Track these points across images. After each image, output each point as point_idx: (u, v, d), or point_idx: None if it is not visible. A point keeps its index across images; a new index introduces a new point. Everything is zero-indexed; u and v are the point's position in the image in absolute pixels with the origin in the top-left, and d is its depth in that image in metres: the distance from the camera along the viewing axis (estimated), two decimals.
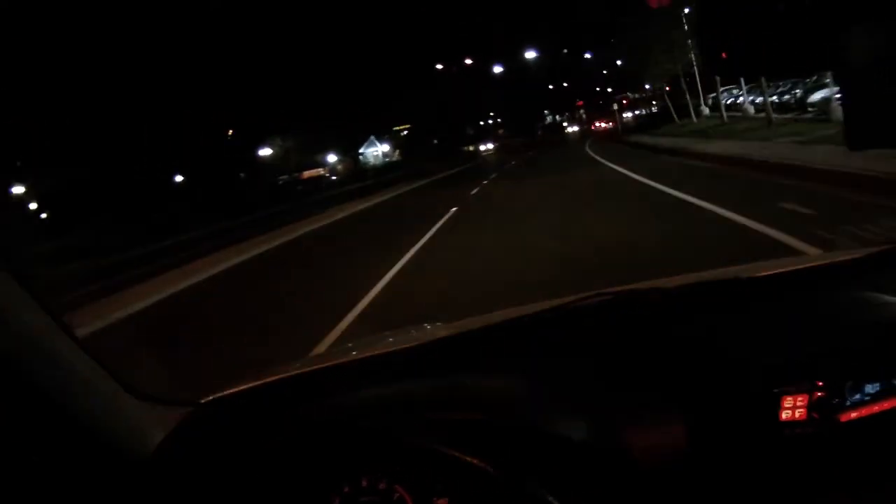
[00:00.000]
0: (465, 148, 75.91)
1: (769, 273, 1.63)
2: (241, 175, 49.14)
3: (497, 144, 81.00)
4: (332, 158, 65.12)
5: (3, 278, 0.97)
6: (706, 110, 29.48)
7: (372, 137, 75.41)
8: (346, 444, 1.18)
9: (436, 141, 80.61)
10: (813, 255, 3.75)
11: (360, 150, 74.22)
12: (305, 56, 53.41)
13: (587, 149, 34.48)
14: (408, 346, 1.64)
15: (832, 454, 1.13)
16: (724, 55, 25.96)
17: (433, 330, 1.87)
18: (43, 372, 0.99)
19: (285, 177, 54.48)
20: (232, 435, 1.26)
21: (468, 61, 78.87)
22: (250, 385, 1.45)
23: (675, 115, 32.35)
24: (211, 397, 1.38)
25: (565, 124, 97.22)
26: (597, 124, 77.78)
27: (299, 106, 51.52)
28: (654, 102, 53.43)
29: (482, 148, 76.76)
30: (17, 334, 0.96)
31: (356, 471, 1.15)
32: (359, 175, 52.18)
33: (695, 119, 30.57)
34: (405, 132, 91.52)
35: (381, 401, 1.30)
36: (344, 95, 59.15)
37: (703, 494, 1.11)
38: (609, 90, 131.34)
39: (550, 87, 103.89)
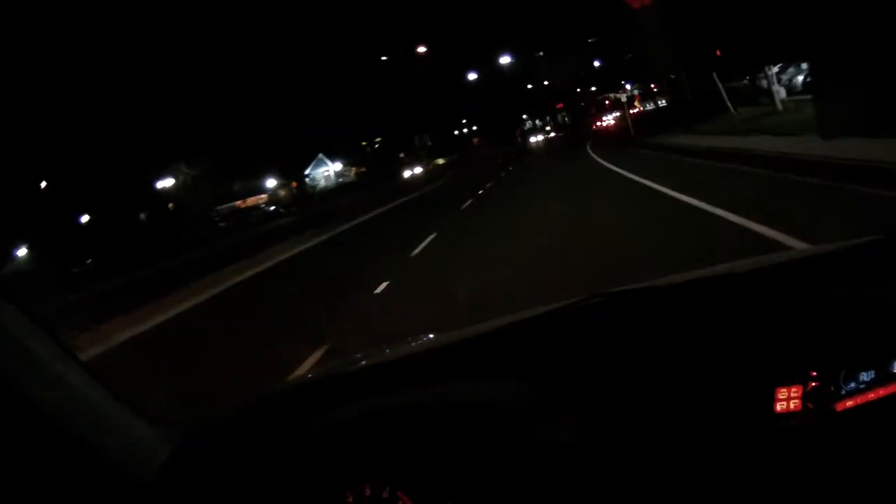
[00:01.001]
0: (434, 162, 65.49)
1: (758, 267, 1.70)
2: (142, 215, 38.15)
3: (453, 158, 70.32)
4: (274, 182, 54.68)
5: (3, 305, 1.01)
6: (782, 93, 19.39)
7: (321, 156, 65.15)
8: (348, 453, 1.21)
9: (402, 154, 70.68)
10: (801, 249, 3.52)
11: (307, 172, 64.12)
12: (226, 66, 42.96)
13: (598, 158, 24.50)
14: (407, 355, 1.71)
15: (828, 444, 1.12)
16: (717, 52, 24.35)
17: (432, 340, 1.87)
18: (48, 396, 1.02)
19: (224, 207, 44.59)
20: (232, 452, 1.27)
21: (423, 58, 69.42)
22: (249, 403, 1.49)
23: (729, 104, 22.10)
24: (211, 417, 1.41)
25: (531, 137, 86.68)
26: (599, 122, 70.94)
27: (214, 122, 40.84)
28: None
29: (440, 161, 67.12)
30: (20, 359, 1.00)
31: (359, 479, 1.17)
32: (304, 200, 42.26)
33: (733, 110, 22.19)
34: (377, 145, 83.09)
35: (382, 410, 1.31)
36: (278, 107, 48.85)
37: (701, 489, 1.10)
38: (593, 89, 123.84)
39: (530, 86, 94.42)
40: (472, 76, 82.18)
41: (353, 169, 66.57)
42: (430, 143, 76.97)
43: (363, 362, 1.73)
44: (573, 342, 1.40)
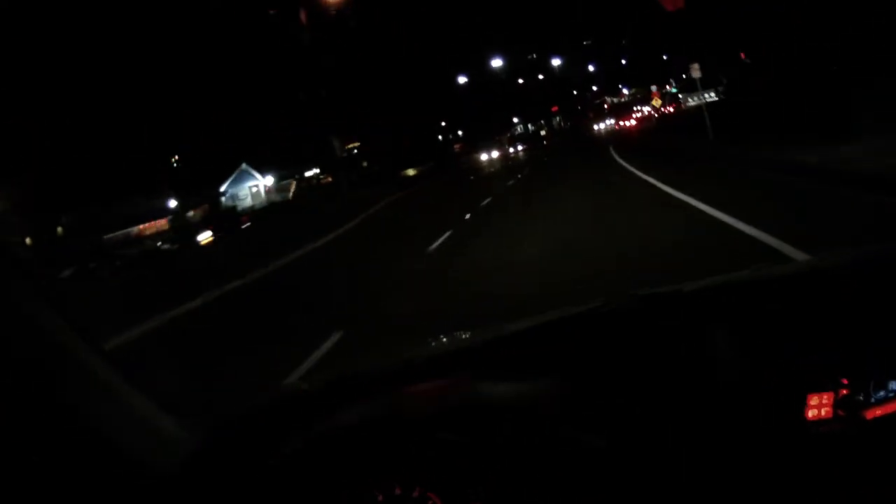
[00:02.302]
0: (403, 173, 53.21)
1: (788, 273, 1.75)
2: None
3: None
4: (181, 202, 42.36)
5: (32, 297, 1.01)
6: None
7: (244, 167, 51.04)
8: (378, 452, 1.22)
9: (366, 164, 58.72)
10: (827, 257, 2.72)
11: (224, 188, 50.52)
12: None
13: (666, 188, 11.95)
14: (437, 353, 1.74)
15: (858, 451, 1.14)
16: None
17: (460, 340, 1.87)
18: (73, 389, 1.02)
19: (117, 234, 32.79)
20: (256, 448, 1.27)
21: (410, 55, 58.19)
22: (272, 399, 1.52)
23: None
24: (236, 413, 1.42)
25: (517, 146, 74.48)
26: (622, 122, 64.99)
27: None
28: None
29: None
30: (45, 350, 1.00)
31: (389, 479, 1.17)
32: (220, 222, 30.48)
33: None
34: (355, 150, 71.15)
35: (411, 410, 1.32)
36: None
37: (732, 494, 1.12)
38: (595, 88, 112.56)
39: (520, 81, 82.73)
40: (462, 79, 72.38)
41: (294, 183, 53.84)
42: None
43: (389, 363, 1.74)
44: (606, 345, 1.42)
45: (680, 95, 49.09)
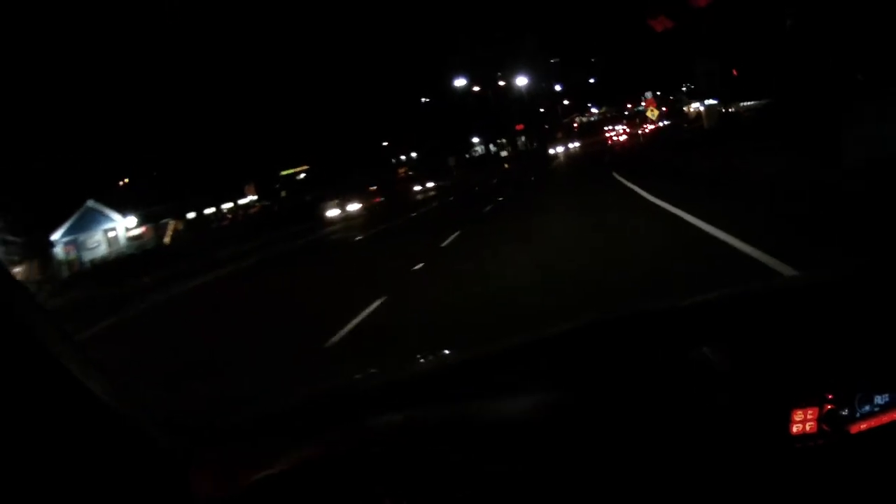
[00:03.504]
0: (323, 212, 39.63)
1: (772, 290, 1.77)
2: None
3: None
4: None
5: (30, 306, 1.01)
6: None
7: (92, 204, 36.62)
8: (368, 467, 1.22)
9: (284, 193, 47.05)
10: (795, 275, 3.31)
11: (58, 235, 35.55)
12: None
13: None
14: (424, 371, 1.74)
15: (843, 466, 1.14)
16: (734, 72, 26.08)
17: (448, 357, 1.91)
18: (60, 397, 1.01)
19: None
20: (253, 463, 1.27)
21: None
22: (267, 411, 1.53)
23: None
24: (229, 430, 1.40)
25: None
26: (614, 137, 57.94)
27: None
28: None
29: (332, 213, 36.88)
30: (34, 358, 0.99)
31: (379, 495, 1.18)
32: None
33: None
34: (302, 175, 59.34)
35: (402, 425, 1.33)
36: None
37: None
38: (566, 102, 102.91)
39: (476, 89, 71.26)
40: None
41: (173, 223, 40.78)
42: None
43: (383, 377, 1.78)
44: (592, 361, 1.44)
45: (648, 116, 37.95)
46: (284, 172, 65.90)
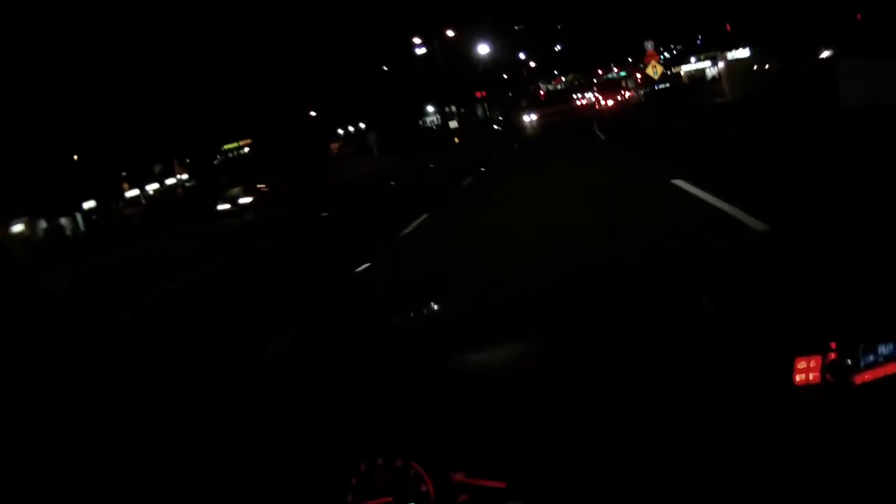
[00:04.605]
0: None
1: (772, 242, 1.80)
2: None
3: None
4: None
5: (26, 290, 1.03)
6: None
7: None
8: (362, 422, 1.23)
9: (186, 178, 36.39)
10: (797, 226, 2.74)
11: None
12: None
13: None
14: (417, 325, 1.74)
15: (847, 416, 1.13)
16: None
17: (439, 311, 1.91)
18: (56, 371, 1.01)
19: None
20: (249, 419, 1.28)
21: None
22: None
23: None
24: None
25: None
26: (604, 101, 53.30)
27: None
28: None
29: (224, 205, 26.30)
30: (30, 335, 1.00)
31: (372, 450, 1.18)
32: None
33: None
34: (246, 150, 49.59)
35: (395, 380, 1.33)
36: None
37: (720, 459, 1.12)
38: (533, 65, 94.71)
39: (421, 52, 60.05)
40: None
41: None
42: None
43: (382, 328, 1.77)
44: (591, 314, 1.42)
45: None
46: (228, 146, 54.69)
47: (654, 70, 26.68)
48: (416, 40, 49.33)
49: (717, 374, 1.16)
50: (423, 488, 1.16)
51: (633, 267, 1.68)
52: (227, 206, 26.34)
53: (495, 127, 55.05)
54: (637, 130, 21.97)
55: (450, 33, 51.31)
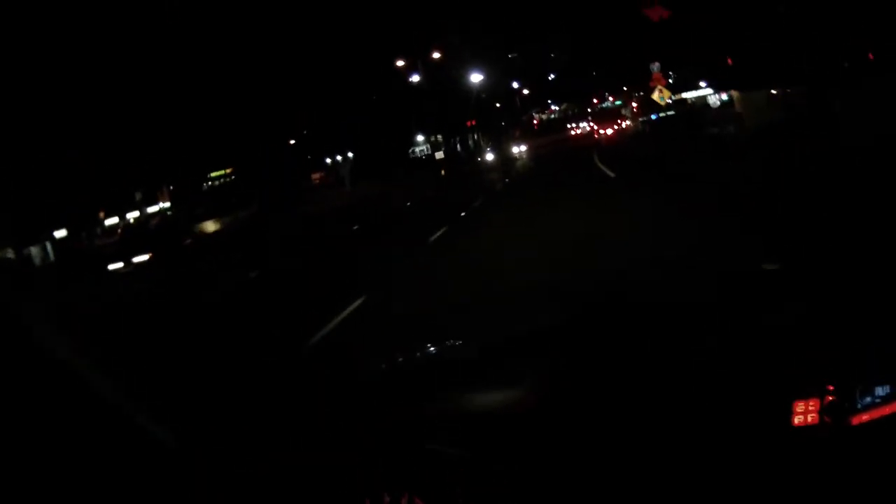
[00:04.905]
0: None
1: (769, 282, 1.78)
2: None
3: None
4: None
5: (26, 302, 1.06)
6: None
7: None
8: (369, 460, 1.24)
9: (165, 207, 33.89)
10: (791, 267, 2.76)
11: None
12: None
13: None
14: (419, 365, 1.77)
15: (845, 457, 1.14)
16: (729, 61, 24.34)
17: (450, 348, 1.94)
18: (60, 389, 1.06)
19: None
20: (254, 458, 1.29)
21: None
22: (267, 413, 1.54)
23: None
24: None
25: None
26: (603, 131, 52.63)
27: None
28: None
29: None
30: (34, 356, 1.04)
31: (378, 486, 1.18)
32: None
33: None
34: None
35: (400, 418, 1.35)
36: None
37: (722, 500, 1.13)
38: (526, 92, 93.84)
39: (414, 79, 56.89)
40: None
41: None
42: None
43: (379, 372, 1.76)
44: (591, 353, 1.44)
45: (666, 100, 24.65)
46: (215, 174, 51.63)
47: (661, 95, 23.88)
48: (401, 63, 46.32)
49: (716, 416, 1.17)
50: None
51: (634, 305, 1.69)
52: (119, 266, 22.36)
53: (487, 158, 51.94)
54: (650, 166, 19.06)
55: (437, 56, 48.33)
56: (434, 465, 1.18)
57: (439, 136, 59.73)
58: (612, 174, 18.96)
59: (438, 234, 13.16)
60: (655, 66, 23.90)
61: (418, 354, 1.86)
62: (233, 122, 40.05)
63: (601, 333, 1.55)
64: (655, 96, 23.68)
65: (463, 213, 16.27)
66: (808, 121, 15.54)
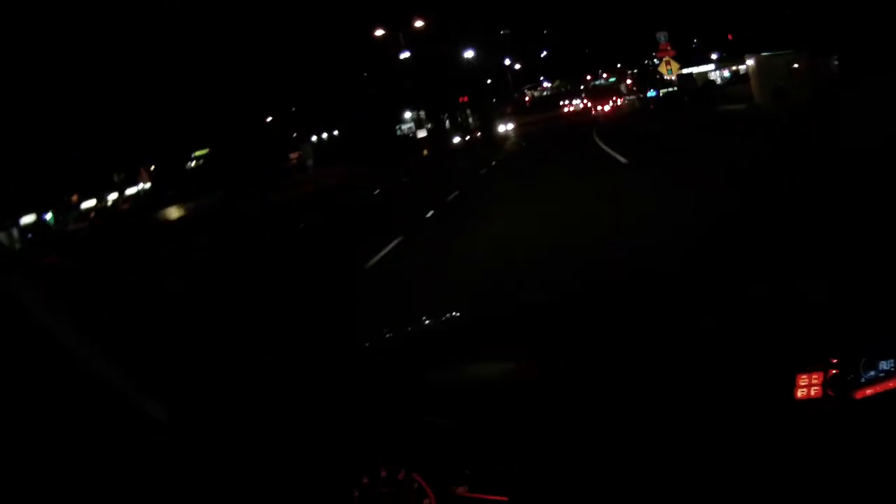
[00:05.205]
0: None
1: (773, 257, 1.85)
2: None
3: None
4: None
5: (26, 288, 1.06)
6: None
7: None
8: (366, 435, 1.24)
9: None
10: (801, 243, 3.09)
11: None
12: None
13: None
14: (421, 339, 1.76)
15: (848, 430, 1.14)
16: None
17: (451, 320, 1.90)
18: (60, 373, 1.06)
19: None
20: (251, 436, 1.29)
21: None
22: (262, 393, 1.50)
23: None
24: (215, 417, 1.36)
25: None
26: (601, 107, 50.10)
27: None
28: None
29: None
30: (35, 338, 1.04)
31: (375, 461, 1.19)
32: None
33: None
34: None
35: (400, 392, 1.34)
36: None
37: (724, 473, 1.13)
38: (518, 68, 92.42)
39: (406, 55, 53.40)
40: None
41: None
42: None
43: (385, 343, 1.76)
44: (593, 328, 1.44)
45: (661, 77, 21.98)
46: (198, 153, 48.65)
47: (669, 68, 21.14)
48: (380, 32, 42.87)
49: (719, 389, 1.17)
50: (426, 502, 1.16)
51: (635, 281, 1.66)
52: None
53: (476, 135, 48.84)
54: (660, 146, 16.33)
55: (420, 24, 44.77)
56: (432, 440, 1.17)
57: (422, 114, 56.28)
58: (623, 160, 15.04)
59: (386, 251, 9.20)
60: (663, 36, 21.14)
61: (414, 328, 1.85)
62: (206, 96, 37.13)
63: (599, 312, 1.53)
64: (662, 68, 20.96)
65: (429, 214, 12.70)
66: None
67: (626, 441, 1.14)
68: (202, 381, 1.98)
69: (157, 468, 1.11)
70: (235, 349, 4.49)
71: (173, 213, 30.03)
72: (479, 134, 50.18)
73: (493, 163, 23.63)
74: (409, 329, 1.86)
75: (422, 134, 48.15)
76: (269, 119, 45.48)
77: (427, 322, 1.90)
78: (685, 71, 41.54)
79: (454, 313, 1.91)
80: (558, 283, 4.60)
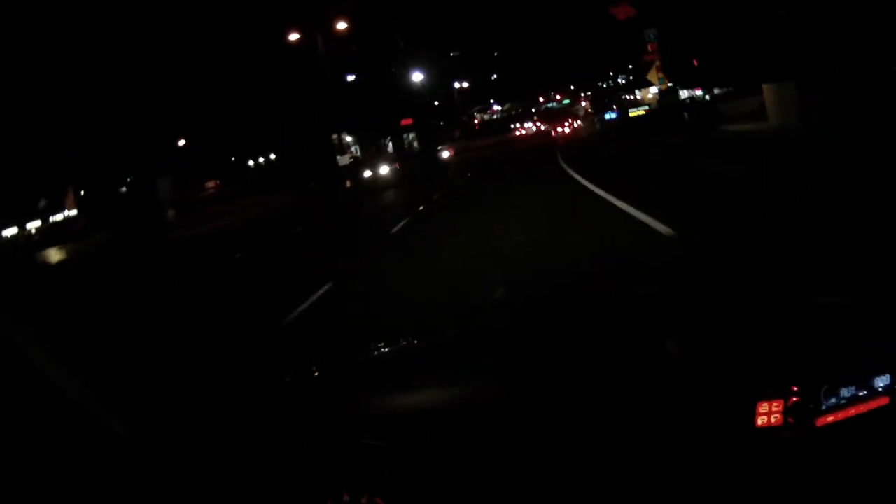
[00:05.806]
0: None
1: (735, 283, 1.76)
2: None
3: None
4: None
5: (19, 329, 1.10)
6: None
7: None
8: (329, 459, 1.22)
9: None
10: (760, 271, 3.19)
11: None
12: None
13: None
14: (384, 361, 1.74)
15: (809, 458, 1.13)
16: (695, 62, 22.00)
17: (408, 346, 1.87)
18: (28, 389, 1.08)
19: None
20: (220, 456, 1.26)
21: None
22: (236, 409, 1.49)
23: None
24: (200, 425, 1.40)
25: None
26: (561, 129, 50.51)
27: None
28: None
29: None
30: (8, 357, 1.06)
31: (338, 485, 1.17)
32: None
33: None
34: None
35: (363, 417, 1.33)
36: None
37: (684, 500, 1.11)
38: (466, 86, 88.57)
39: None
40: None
41: None
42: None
43: (330, 369, 1.73)
44: (548, 348, 1.42)
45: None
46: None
47: (654, 77, 16.19)
48: (295, 37, 36.42)
49: (678, 416, 1.15)
50: None
51: (593, 305, 1.66)
52: None
53: (415, 161, 42.25)
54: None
55: (342, 26, 38.27)
56: (392, 464, 1.16)
57: (347, 137, 49.94)
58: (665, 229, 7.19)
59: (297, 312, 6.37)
60: (652, 34, 16.26)
61: (368, 353, 1.83)
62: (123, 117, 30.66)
63: (557, 332, 1.51)
64: (651, 76, 16.05)
65: (326, 288, 7.55)
66: None
67: (582, 468, 1.11)
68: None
69: (107, 461, 1.11)
70: None
71: (54, 255, 23.61)
72: (417, 160, 42.95)
73: (435, 197, 18.17)
74: (367, 353, 1.82)
75: (344, 161, 40.31)
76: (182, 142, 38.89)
77: (383, 348, 1.86)
78: (654, 90, 37.08)
79: (411, 339, 1.87)
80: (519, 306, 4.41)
